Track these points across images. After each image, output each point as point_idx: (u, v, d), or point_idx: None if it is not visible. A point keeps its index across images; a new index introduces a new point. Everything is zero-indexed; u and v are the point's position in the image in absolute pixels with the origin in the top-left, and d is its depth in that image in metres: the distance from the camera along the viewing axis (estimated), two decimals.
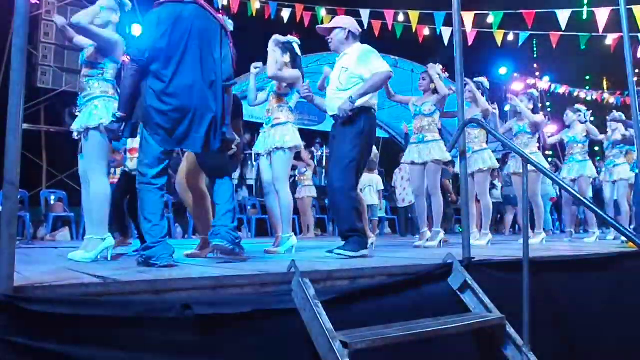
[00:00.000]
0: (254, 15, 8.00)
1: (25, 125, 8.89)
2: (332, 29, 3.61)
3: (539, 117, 5.66)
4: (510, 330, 2.39)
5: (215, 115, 2.91)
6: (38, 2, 9.19)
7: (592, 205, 2.40)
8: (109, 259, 3.18)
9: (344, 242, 3.28)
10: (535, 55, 20.11)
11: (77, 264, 2.88)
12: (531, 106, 5.63)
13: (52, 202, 8.57)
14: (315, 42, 5.15)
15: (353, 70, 3.47)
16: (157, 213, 2.77)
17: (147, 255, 2.67)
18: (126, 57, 2.90)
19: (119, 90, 3.39)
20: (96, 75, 3.27)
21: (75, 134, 3.29)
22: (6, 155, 1.69)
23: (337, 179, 3.35)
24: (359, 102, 3.36)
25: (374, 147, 4.70)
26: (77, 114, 3.34)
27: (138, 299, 1.85)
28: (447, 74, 5.02)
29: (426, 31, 7.95)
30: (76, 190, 8.61)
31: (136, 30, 9.10)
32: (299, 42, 4.27)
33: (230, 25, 3.24)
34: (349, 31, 3.58)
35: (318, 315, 1.90)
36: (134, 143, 4.43)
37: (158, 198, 2.80)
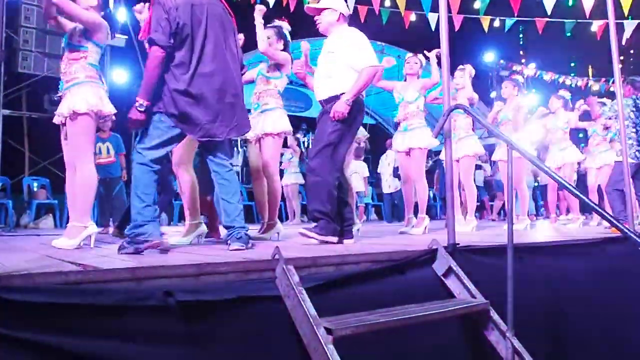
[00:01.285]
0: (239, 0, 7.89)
1: (6, 111, 8.73)
2: (321, 10, 3.55)
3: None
4: (495, 315, 2.41)
5: (238, 101, 2.93)
6: None
7: (575, 191, 2.41)
8: (92, 246, 3.14)
9: (313, 225, 3.30)
10: (521, 42, 20.21)
11: (59, 251, 2.83)
12: (516, 92, 5.64)
13: (35, 189, 8.46)
14: (301, 27, 5.09)
15: (340, 56, 3.42)
16: (151, 194, 2.78)
17: (138, 232, 2.66)
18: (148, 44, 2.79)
19: (102, 76, 3.33)
20: (79, 59, 3.19)
21: (57, 119, 3.22)
22: None
23: (312, 160, 3.38)
24: (342, 89, 3.33)
25: (362, 129, 4.68)
26: (55, 98, 3.27)
27: (119, 286, 1.82)
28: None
29: (413, 17, 7.91)
30: (59, 177, 8.51)
31: (120, 16, 8.95)
32: (290, 28, 4.22)
33: None
34: (340, 13, 3.51)
35: (302, 302, 1.89)
36: None
37: (153, 181, 2.80)
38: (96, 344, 1.64)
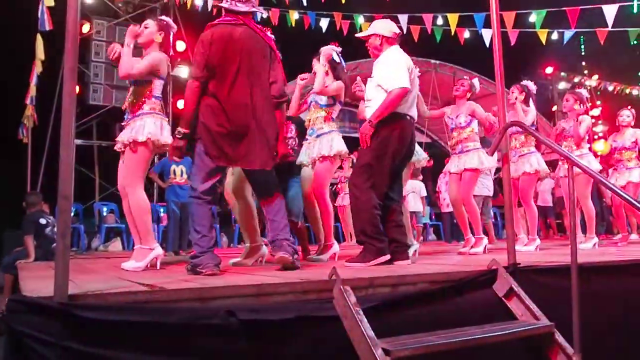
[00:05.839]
0: (294, 25, 8.11)
1: (78, 141, 9.36)
2: (369, 37, 3.61)
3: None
4: (560, 338, 2.31)
5: (268, 133, 2.99)
6: (89, 23, 9.64)
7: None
8: (158, 267, 3.28)
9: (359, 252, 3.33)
10: (583, 53, 19.47)
11: (127, 273, 2.99)
12: (578, 106, 5.40)
13: (105, 213, 8.94)
14: (354, 49, 5.17)
15: (375, 78, 3.46)
16: (206, 225, 2.91)
17: (194, 263, 2.81)
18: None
19: (163, 107, 3.51)
20: (143, 92, 3.36)
21: (117, 146, 3.40)
22: (60, 171, 1.79)
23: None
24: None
25: (423, 153, 4.59)
26: (121, 128, 3.47)
27: (183, 306, 1.91)
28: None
29: (466, 34, 7.84)
30: None
31: (180, 47, 9.44)
32: (338, 51, 4.28)
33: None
34: (383, 37, 3.54)
35: (359, 323, 1.91)
36: None
37: (207, 211, 2.94)
38: None
